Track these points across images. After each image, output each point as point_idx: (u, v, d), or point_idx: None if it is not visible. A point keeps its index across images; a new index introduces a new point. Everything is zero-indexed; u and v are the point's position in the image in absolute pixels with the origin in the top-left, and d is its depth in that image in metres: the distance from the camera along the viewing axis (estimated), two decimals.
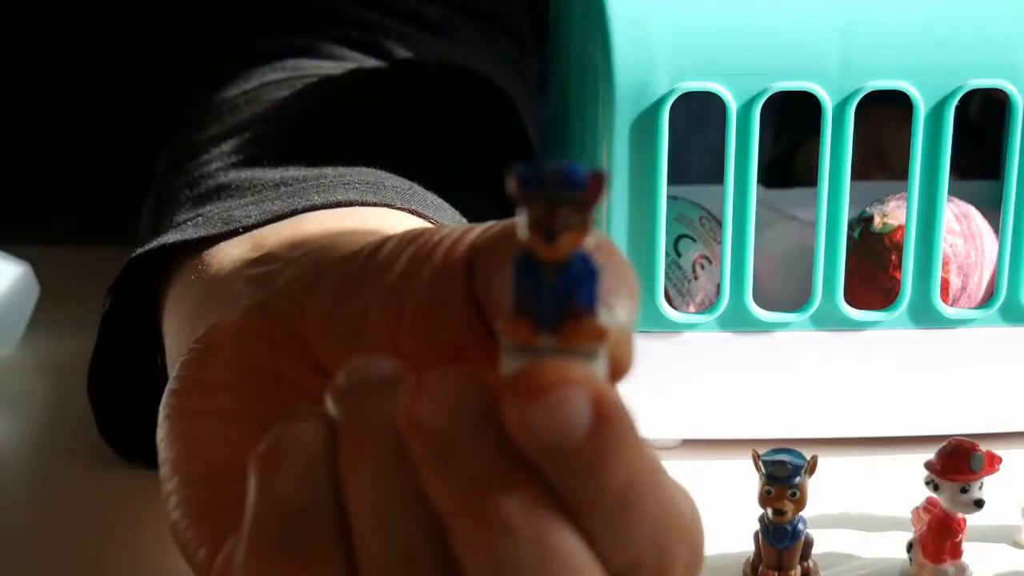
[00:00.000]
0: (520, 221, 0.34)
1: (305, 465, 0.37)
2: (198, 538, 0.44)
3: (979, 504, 0.52)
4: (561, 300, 0.34)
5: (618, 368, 0.37)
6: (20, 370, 0.69)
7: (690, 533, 0.38)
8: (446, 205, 0.58)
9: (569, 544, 0.35)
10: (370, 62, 0.71)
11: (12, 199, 0.85)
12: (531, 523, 0.35)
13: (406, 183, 0.58)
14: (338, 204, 0.55)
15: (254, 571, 0.37)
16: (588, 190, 0.34)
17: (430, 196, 0.58)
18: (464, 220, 0.59)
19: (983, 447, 0.53)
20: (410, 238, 0.45)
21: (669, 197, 0.59)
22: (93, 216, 0.82)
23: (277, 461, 0.37)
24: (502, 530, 0.35)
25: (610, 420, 0.34)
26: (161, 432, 0.48)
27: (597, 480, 0.35)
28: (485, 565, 0.35)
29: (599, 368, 0.36)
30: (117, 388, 0.59)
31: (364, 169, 0.59)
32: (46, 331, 0.71)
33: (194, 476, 0.46)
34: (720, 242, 0.60)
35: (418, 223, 0.55)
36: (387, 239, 0.45)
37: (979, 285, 0.61)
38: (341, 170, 0.59)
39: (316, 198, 0.56)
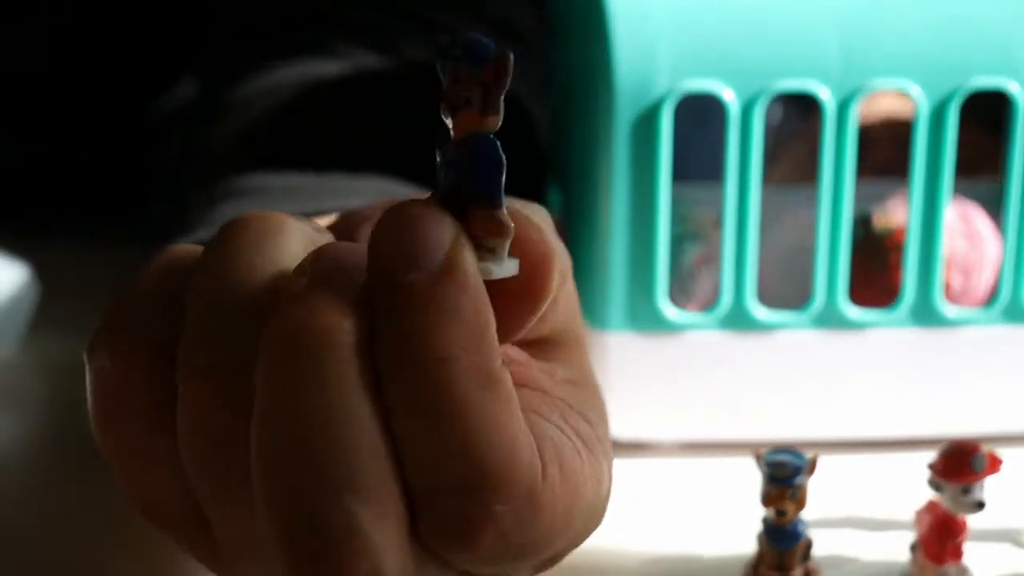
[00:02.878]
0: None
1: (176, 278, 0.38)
2: None
3: (980, 505, 0.52)
4: (460, 180, 0.32)
5: (530, 283, 0.34)
6: (20, 371, 0.69)
7: (516, 488, 0.33)
8: None
9: (361, 410, 0.33)
10: (386, 64, 0.71)
11: (12, 200, 0.85)
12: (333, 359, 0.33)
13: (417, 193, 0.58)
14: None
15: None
16: (487, 67, 0.32)
17: None
18: None
19: (985, 448, 0.52)
20: None
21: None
22: (93, 216, 0.82)
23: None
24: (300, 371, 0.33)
25: (453, 285, 0.32)
26: None
27: (413, 342, 0.32)
28: (273, 398, 0.34)
29: (503, 269, 0.33)
30: None
31: (377, 179, 0.59)
32: (46, 331, 0.71)
33: None
34: (721, 242, 0.60)
35: None
36: None
37: (980, 285, 0.61)
38: (356, 178, 0.59)
39: (326, 203, 0.56)
